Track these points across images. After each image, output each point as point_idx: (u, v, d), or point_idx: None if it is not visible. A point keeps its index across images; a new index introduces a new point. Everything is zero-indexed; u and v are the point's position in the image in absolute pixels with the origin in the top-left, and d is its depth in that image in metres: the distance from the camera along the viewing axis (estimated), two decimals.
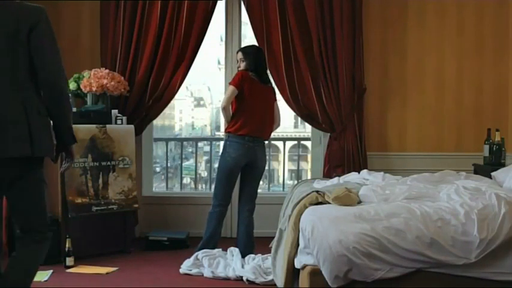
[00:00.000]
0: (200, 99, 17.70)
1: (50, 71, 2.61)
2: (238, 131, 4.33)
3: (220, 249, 4.39)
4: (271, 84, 4.61)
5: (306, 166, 8.50)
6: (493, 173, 4.08)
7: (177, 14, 5.04)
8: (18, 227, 2.71)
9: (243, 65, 4.45)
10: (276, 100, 4.61)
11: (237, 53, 4.58)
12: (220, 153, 4.60)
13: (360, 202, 3.33)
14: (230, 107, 4.40)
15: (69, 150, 2.75)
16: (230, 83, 4.38)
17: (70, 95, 4.65)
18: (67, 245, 4.28)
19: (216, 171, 4.51)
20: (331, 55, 5.06)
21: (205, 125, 17.01)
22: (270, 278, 3.85)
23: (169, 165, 6.55)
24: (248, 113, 4.34)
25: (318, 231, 2.99)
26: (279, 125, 4.63)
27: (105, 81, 4.68)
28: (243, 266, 4.12)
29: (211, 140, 8.01)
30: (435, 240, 2.93)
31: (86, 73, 4.78)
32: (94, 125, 4.55)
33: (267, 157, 4.93)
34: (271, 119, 4.53)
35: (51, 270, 4.17)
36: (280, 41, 5.07)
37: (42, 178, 2.70)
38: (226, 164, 4.39)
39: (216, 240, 4.44)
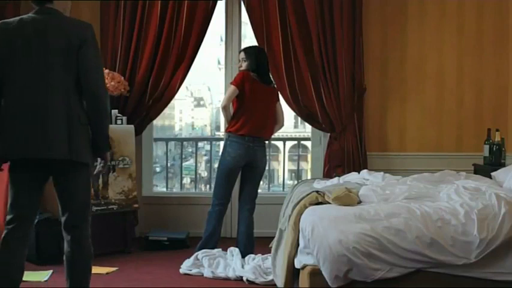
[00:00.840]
0: (200, 99, 17.69)
1: (93, 83, 2.80)
2: (238, 130, 4.33)
3: (220, 249, 4.39)
4: (273, 84, 4.61)
5: (306, 166, 8.49)
6: (493, 173, 4.09)
7: (177, 14, 5.03)
8: (62, 223, 2.91)
9: (244, 65, 4.44)
10: (278, 100, 4.61)
11: (240, 53, 4.58)
12: (220, 153, 4.61)
13: (360, 202, 3.34)
14: (230, 107, 4.41)
15: (104, 156, 3.00)
16: (231, 83, 4.38)
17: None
18: None
19: (216, 170, 4.52)
20: (331, 55, 5.05)
21: (205, 125, 17.00)
22: (270, 278, 3.85)
23: (169, 165, 6.55)
24: (249, 113, 4.34)
25: (318, 231, 2.99)
26: (282, 125, 4.63)
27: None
28: (243, 266, 4.12)
29: (211, 140, 8.02)
30: (435, 240, 2.93)
31: None
32: None
33: (267, 157, 4.93)
34: (272, 120, 4.52)
35: (51, 270, 4.17)
36: (280, 41, 5.07)
37: (86, 180, 2.90)
38: (226, 164, 4.40)
39: (215, 239, 4.44)
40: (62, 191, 2.87)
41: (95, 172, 3.19)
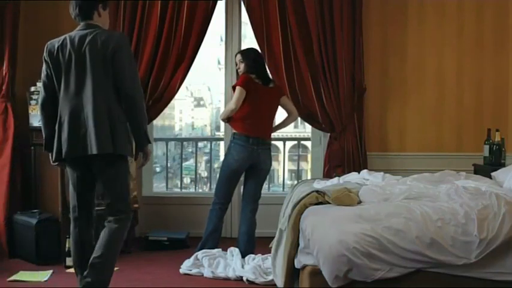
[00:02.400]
0: (200, 99, 17.72)
1: (128, 86, 3.18)
2: (245, 131, 4.35)
3: (220, 249, 4.39)
4: (273, 83, 4.58)
5: (306, 166, 8.50)
6: (493, 173, 4.09)
7: (177, 14, 5.03)
8: (105, 208, 3.35)
9: (242, 66, 4.45)
10: (283, 95, 4.58)
11: (236, 55, 4.58)
12: (221, 153, 4.60)
13: (360, 202, 3.34)
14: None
15: (144, 150, 3.32)
16: (236, 85, 4.37)
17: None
18: (67, 245, 4.27)
19: (219, 170, 4.53)
20: (331, 55, 5.05)
21: (205, 125, 17.02)
22: (270, 278, 3.85)
23: (169, 165, 6.55)
24: (253, 116, 4.35)
25: (318, 231, 2.99)
26: (296, 115, 4.65)
27: None
28: (243, 266, 4.12)
29: (211, 140, 8.02)
30: (435, 240, 2.93)
31: None
32: None
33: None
34: (271, 122, 4.54)
35: (51, 270, 4.17)
36: (280, 41, 5.06)
37: (125, 171, 3.34)
38: (229, 166, 4.41)
39: (217, 238, 4.45)
40: (105, 181, 3.28)
41: (138, 166, 3.66)
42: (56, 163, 3.36)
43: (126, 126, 3.24)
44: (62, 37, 3.26)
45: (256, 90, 4.35)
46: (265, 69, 4.55)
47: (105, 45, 3.15)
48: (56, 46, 3.23)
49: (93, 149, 3.14)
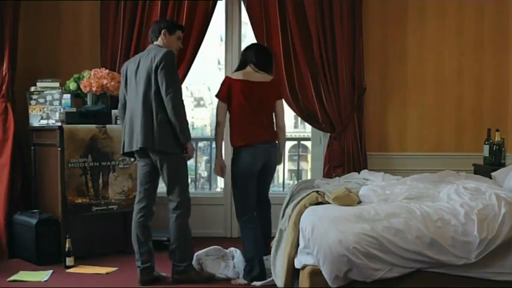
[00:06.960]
0: (200, 99, 17.74)
1: (167, 94, 3.72)
2: (237, 142, 3.98)
3: (221, 249, 4.37)
4: (270, 75, 4.08)
5: (306, 166, 8.51)
6: (493, 173, 4.08)
7: (177, 14, 5.04)
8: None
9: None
10: (279, 98, 4.10)
11: None
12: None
13: (360, 202, 3.34)
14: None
15: (183, 146, 3.85)
16: (216, 95, 4.03)
17: (69, 95, 4.70)
18: (67, 245, 4.28)
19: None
20: (331, 55, 5.05)
21: (205, 125, 17.03)
22: (270, 278, 3.85)
23: None
24: (242, 122, 3.96)
25: (318, 232, 2.99)
26: (282, 129, 4.11)
27: (105, 81, 4.67)
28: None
29: (211, 140, 7.98)
30: (435, 240, 2.93)
31: (86, 73, 4.78)
32: (94, 125, 4.55)
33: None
34: (270, 121, 4.06)
35: (51, 270, 4.17)
36: (280, 41, 5.07)
37: (174, 164, 3.86)
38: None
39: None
40: (161, 172, 3.88)
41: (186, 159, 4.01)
42: (124, 156, 4.10)
43: (167, 127, 3.76)
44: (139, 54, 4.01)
45: (242, 90, 3.92)
46: (267, 62, 4.07)
47: (153, 61, 3.75)
48: (128, 61, 4.00)
49: (137, 144, 3.79)
